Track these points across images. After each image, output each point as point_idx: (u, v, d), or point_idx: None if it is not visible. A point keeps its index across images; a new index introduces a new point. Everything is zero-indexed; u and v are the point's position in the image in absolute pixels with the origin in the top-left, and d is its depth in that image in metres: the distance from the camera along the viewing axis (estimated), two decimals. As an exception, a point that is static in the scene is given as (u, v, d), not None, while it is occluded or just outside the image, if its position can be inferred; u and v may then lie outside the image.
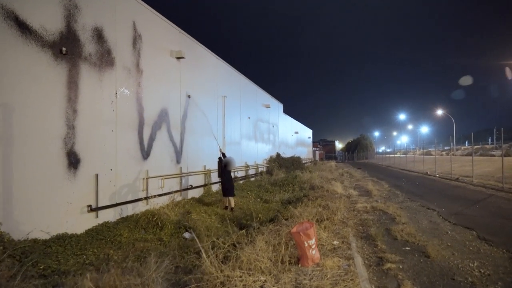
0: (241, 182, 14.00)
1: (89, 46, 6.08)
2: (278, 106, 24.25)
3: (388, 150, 62.85)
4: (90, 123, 6.04)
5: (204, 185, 10.74)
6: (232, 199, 8.61)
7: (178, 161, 9.19)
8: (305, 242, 3.94)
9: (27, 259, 3.98)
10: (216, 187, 11.18)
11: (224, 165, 8.93)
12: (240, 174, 14.94)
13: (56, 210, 5.27)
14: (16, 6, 4.75)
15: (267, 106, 20.24)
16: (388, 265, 4.28)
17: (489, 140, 44.09)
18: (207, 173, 10.94)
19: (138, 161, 7.41)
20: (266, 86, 20.86)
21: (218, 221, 7.12)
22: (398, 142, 66.31)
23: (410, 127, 64.66)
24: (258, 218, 7.07)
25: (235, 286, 3.10)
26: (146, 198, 7.37)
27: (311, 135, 46.36)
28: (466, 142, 42.48)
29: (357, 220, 7.06)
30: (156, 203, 7.13)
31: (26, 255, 4.12)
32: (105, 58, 6.49)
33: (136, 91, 7.38)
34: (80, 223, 5.69)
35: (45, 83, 5.20)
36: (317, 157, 57.58)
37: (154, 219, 6.14)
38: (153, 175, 7.83)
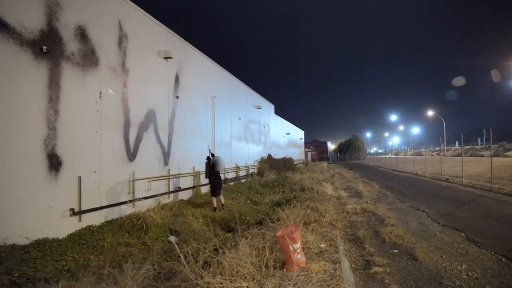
0: (231, 183, 13.87)
1: (72, 45, 5.91)
2: (269, 107, 24.19)
3: (380, 151, 63.42)
4: (73, 124, 5.86)
5: (193, 187, 10.59)
6: (221, 196, 8.71)
7: (166, 163, 9.03)
8: (290, 246, 3.84)
9: (1, 266, 3.80)
10: (205, 189, 11.02)
11: (212, 165, 8.81)
12: (231, 175, 14.80)
13: (36, 214, 5.09)
14: (-8, 2, 4.58)
15: (258, 107, 20.17)
16: (375, 268, 4.21)
17: (479, 140, 44.66)
18: (196, 175, 10.79)
19: (124, 163, 7.24)
20: (258, 88, 20.85)
21: (205, 224, 6.98)
22: (390, 143, 67.09)
23: (401, 128, 65.29)
24: (246, 221, 6.97)
25: (216, 293, 2.99)
26: (132, 200, 7.20)
27: (303, 136, 46.41)
28: (457, 143, 43.12)
29: (346, 222, 7.00)
30: (142, 206, 6.98)
31: (1, 262, 3.94)
32: (89, 57, 6.32)
33: (121, 92, 7.21)
34: (62, 228, 5.51)
35: (25, 82, 5.02)
36: (309, 158, 57.65)
37: (139, 222, 5.98)
38: (139, 177, 7.65)
